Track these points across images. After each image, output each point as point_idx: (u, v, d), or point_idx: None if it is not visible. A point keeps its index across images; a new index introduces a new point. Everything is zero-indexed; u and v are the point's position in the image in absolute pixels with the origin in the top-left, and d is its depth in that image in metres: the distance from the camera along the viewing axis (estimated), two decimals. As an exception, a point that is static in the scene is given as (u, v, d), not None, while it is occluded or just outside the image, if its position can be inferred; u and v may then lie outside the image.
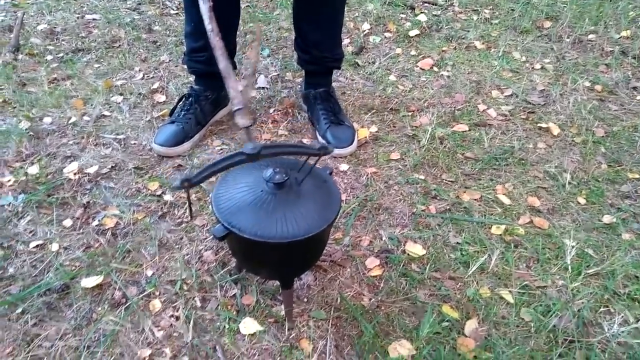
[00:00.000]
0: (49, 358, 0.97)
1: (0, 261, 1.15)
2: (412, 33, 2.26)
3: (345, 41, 2.17)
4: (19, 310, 1.05)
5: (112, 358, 0.97)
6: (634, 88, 1.94)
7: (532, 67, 2.06)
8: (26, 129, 1.54)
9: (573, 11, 2.48)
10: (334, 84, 1.68)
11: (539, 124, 1.70)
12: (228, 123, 1.65)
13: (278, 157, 0.89)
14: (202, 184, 1.36)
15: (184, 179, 0.77)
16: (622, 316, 1.09)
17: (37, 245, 1.19)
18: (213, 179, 1.39)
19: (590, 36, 2.30)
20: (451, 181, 1.44)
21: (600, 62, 2.10)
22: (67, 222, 1.25)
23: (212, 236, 1.23)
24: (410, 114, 1.72)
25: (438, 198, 1.39)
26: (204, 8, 0.83)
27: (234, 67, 1.64)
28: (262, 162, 0.95)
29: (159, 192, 1.35)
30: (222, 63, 0.82)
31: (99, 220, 1.26)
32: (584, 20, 2.40)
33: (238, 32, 1.59)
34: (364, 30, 2.28)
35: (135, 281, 1.13)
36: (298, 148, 0.89)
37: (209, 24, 0.81)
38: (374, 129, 1.63)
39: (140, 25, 2.25)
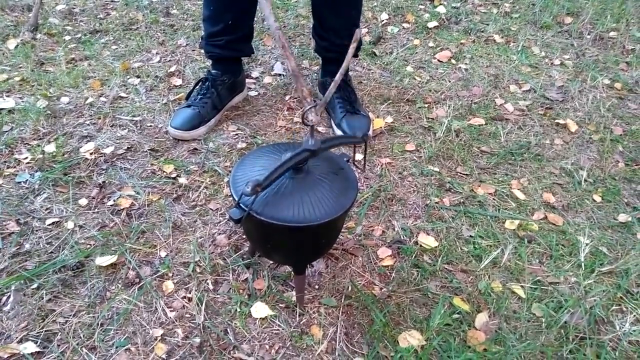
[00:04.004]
0: (62, 333, 0.98)
1: (16, 237, 1.16)
2: (431, 24, 2.24)
3: (363, 31, 2.15)
4: (34, 285, 1.06)
5: (125, 336, 0.99)
6: (655, 87, 1.92)
7: (552, 63, 2.03)
8: (44, 108, 1.56)
9: (595, 8, 2.44)
10: (350, 73, 1.67)
11: (556, 120, 1.69)
12: (244, 108, 1.65)
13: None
14: (217, 168, 1.37)
15: (255, 184, 0.77)
16: (635, 315, 1.09)
17: (52, 223, 1.21)
18: (228, 162, 1.40)
19: (612, 33, 2.26)
20: (466, 174, 1.44)
21: (621, 60, 2.07)
22: (83, 201, 1.26)
23: (225, 220, 1.24)
24: (426, 105, 1.71)
25: (452, 191, 1.38)
26: (265, 3, 0.83)
27: (252, 53, 1.64)
28: (280, 146, 0.95)
29: (173, 175, 1.35)
30: (292, 63, 0.82)
31: (114, 200, 1.27)
32: (606, 17, 2.36)
33: (255, 19, 1.59)
34: (382, 20, 2.26)
35: (149, 262, 1.14)
36: (345, 139, 0.93)
37: (275, 22, 0.81)
38: (389, 119, 1.63)
39: (158, 8, 2.25)
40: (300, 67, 1.88)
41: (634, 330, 1.05)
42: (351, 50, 0.84)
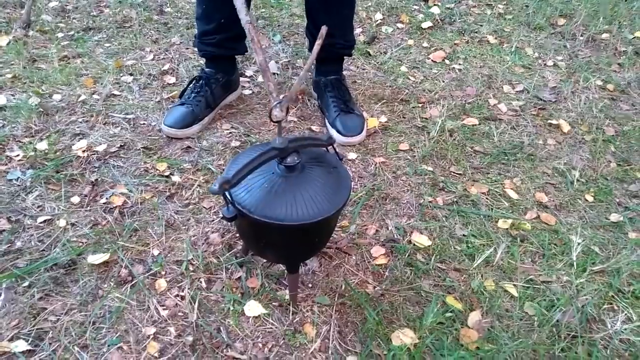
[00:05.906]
0: (54, 332, 0.98)
1: (7, 235, 1.15)
2: (425, 25, 2.25)
3: (358, 30, 2.16)
4: (26, 283, 1.05)
5: (117, 335, 0.98)
6: (646, 88, 1.93)
7: (545, 64, 2.05)
8: (36, 105, 1.54)
9: (587, 9, 2.46)
10: (344, 73, 1.68)
11: (549, 121, 1.70)
12: (238, 107, 1.64)
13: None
14: (210, 167, 1.36)
15: (223, 181, 0.76)
16: (626, 314, 1.09)
17: (44, 221, 1.20)
18: (221, 161, 1.40)
19: (604, 35, 2.28)
20: (459, 174, 1.44)
21: (613, 62, 2.09)
22: (75, 199, 1.26)
23: (219, 218, 1.23)
24: (420, 105, 1.72)
25: (446, 190, 1.38)
26: (238, 2, 0.84)
27: (245, 52, 1.64)
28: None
29: (167, 173, 1.35)
30: (260, 56, 0.82)
31: (106, 198, 1.26)
32: (598, 19, 2.38)
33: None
34: (377, 20, 2.27)
35: (142, 260, 1.13)
36: (312, 140, 0.94)
37: (246, 16, 0.82)
38: (383, 119, 1.63)
39: (151, 6, 2.24)
40: (294, 66, 1.88)
41: (625, 329, 1.06)
42: (316, 47, 0.85)
